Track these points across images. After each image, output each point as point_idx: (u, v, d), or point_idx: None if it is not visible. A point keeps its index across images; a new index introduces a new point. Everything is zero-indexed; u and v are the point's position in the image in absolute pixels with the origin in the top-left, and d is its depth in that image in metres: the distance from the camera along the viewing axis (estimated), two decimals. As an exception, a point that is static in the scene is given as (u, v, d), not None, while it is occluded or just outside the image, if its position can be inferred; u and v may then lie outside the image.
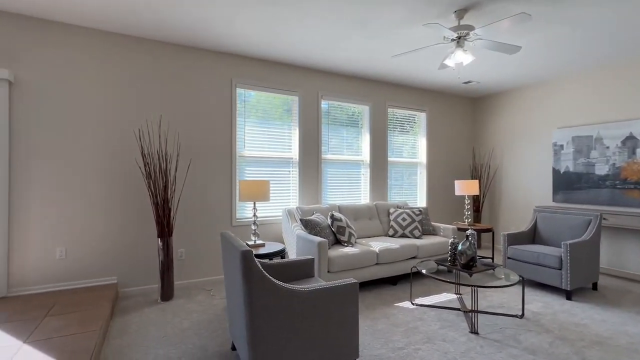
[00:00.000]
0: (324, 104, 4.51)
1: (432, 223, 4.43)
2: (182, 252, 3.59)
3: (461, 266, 2.92)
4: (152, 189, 3.14)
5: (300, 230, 3.55)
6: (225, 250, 2.08)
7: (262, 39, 3.45)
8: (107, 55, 3.28)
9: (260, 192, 3.23)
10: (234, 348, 2.29)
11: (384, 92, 5.00)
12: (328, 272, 3.21)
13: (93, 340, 2.18)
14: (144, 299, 3.24)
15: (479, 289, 3.42)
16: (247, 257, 1.65)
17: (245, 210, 3.98)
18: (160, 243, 3.16)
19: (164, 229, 3.16)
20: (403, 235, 4.13)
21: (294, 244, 3.61)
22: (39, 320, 2.46)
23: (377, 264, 3.54)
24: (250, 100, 4.02)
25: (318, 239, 3.18)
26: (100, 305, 2.75)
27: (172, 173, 3.49)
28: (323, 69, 4.38)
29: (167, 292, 3.19)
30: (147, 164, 3.18)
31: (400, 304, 3.16)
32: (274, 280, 1.74)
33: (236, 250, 1.73)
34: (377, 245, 3.65)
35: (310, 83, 4.37)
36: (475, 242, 2.92)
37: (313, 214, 3.84)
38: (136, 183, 3.38)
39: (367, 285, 3.72)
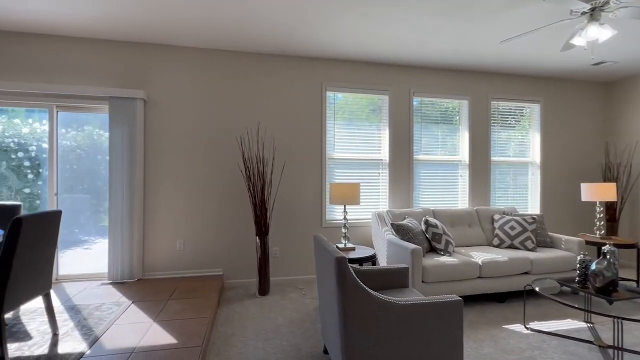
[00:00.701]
0: (414, 101, 4.25)
1: (550, 234, 3.75)
2: (276, 250, 3.81)
3: (595, 290, 2.38)
4: (252, 190, 3.39)
5: (391, 235, 3.40)
6: (318, 253, 2.09)
7: (352, 40, 3.42)
8: (215, 70, 3.68)
9: (350, 195, 3.19)
10: (325, 352, 2.29)
11: (485, 84, 4.46)
12: (422, 282, 2.99)
13: (204, 326, 2.45)
14: (244, 292, 3.52)
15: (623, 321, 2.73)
16: (341, 264, 1.61)
17: (334, 212, 4.01)
18: (258, 241, 3.39)
19: (261, 228, 3.39)
20: (511, 247, 3.60)
21: (384, 249, 3.48)
22: (164, 303, 2.88)
23: (479, 277, 3.16)
24: (338, 102, 4.03)
25: (411, 245, 2.98)
26: (209, 294, 3.08)
27: (269, 176, 3.72)
28: (414, 64, 4.13)
29: (264, 287, 3.41)
30: (247, 167, 3.46)
31: (510, 327, 2.73)
32: (368, 289, 1.67)
33: (330, 256, 1.71)
34: (480, 256, 3.25)
35: (400, 80, 4.17)
36: (617, 262, 2.35)
37: (404, 218, 3.64)
38: (239, 186, 3.71)
39: (467, 300, 3.34)
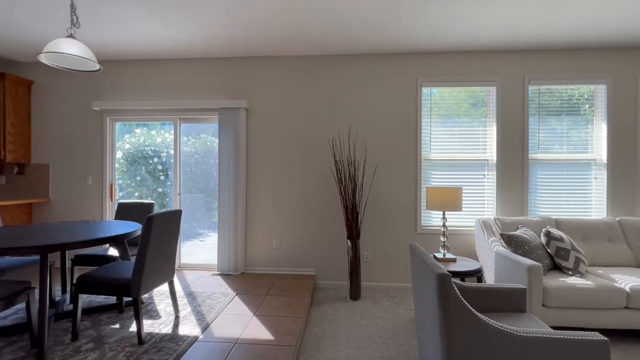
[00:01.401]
0: (530, 89, 3.62)
1: None
2: (367, 254, 3.72)
3: None
4: (343, 193, 3.37)
5: (500, 247, 2.96)
6: (415, 266, 1.92)
7: (451, 28, 3.10)
8: (306, 76, 3.79)
9: (451, 200, 2.89)
10: (422, 372, 2.10)
11: (635, 59, 3.52)
12: (543, 305, 2.50)
13: (298, 325, 2.51)
14: (335, 294, 3.53)
15: None
16: (444, 283, 1.42)
17: (430, 217, 3.71)
18: (349, 244, 3.36)
19: (352, 231, 3.34)
20: (676, 271, 2.74)
21: (491, 263, 3.05)
22: (262, 297, 3.08)
23: (626, 307, 2.49)
24: (433, 98, 3.71)
25: (528, 261, 2.52)
26: (302, 293, 3.18)
27: (360, 179, 3.65)
28: (530, 46, 3.51)
29: (354, 292, 3.36)
30: (339, 170, 3.45)
31: (679, 380, 2.07)
32: (476, 313, 1.44)
33: (430, 271, 1.53)
34: (628, 280, 2.56)
35: (511, 67, 3.61)
36: None
37: (517, 228, 3.13)
38: (331, 189, 3.75)
39: (607, 334, 2.68)
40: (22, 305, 2.86)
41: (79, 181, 4.05)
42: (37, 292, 3.16)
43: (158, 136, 4.21)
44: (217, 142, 4.10)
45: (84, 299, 2.98)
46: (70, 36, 2.42)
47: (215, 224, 4.14)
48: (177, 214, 2.54)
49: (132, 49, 3.66)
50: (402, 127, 3.69)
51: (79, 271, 3.84)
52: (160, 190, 4.21)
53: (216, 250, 4.01)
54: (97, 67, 2.59)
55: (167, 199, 4.23)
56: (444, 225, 3.01)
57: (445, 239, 2.99)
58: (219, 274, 3.77)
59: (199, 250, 4.18)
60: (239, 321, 2.58)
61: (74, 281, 3.33)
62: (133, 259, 2.94)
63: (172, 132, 4.14)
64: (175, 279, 3.60)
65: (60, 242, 1.99)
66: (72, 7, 2.50)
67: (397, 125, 3.70)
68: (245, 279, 3.63)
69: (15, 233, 2.25)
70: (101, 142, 4.03)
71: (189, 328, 2.44)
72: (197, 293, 3.16)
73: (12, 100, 3.86)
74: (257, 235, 3.86)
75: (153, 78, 3.98)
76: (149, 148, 4.20)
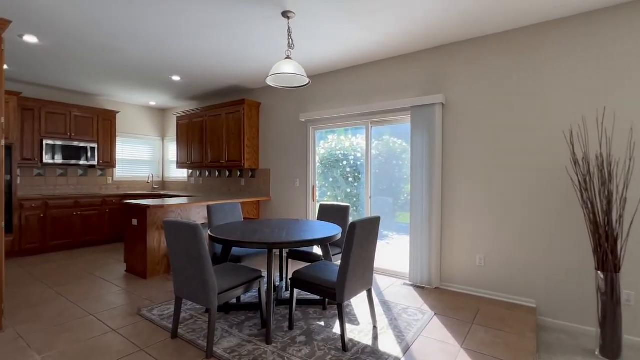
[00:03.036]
0: None
1: None
2: (630, 295, 2.53)
3: None
4: (588, 205, 2.41)
5: None
6: None
7: None
8: (517, 55, 2.96)
9: None
10: None
11: None
12: None
13: (527, 380, 1.90)
14: (571, 342, 2.58)
15: None
16: None
17: None
18: (600, 277, 2.36)
19: (606, 260, 2.32)
20: None
21: None
22: (468, 325, 2.57)
23: None
24: None
25: None
26: (522, 331, 2.46)
27: (620, 186, 2.53)
28: None
29: (610, 347, 2.33)
30: (581, 172, 2.49)
31: None
32: None
33: None
34: None
35: None
36: None
37: None
38: (566, 196, 2.79)
39: None
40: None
41: (289, 183, 4.75)
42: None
43: (346, 141, 4.40)
44: (399, 142, 3.94)
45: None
46: (288, 57, 2.73)
47: (400, 226, 3.94)
48: (376, 221, 2.43)
49: (328, 61, 3.92)
50: None
51: (291, 264, 4.48)
52: (348, 190, 4.38)
53: (403, 255, 3.78)
54: (307, 81, 2.83)
55: (354, 199, 4.35)
56: None
57: None
58: (410, 285, 3.51)
59: (386, 253, 4.06)
60: (444, 351, 2.20)
61: (289, 271, 3.89)
62: (333, 259, 3.09)
63: (358, 136, 4.23)
64: (368, 283, 3.59)
65: (282, 241, 2.22)
66: (289, 32, 2.83)
67: (695, 100, 2.33)
68: (441, 296, 3.20)
69: (251, 228, 2.72)
70: (305, 149, 4.57)
71: (388, 344, 2.27)
72: (391, 303, 3.00)
73: (248, 120, 4.94)
74: (454, 247, 3.36)
75: (346, 86, 4.16)
76: (339, 152, 4.44)
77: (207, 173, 5.96)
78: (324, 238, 2.36)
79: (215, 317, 2.15)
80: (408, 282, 3.59)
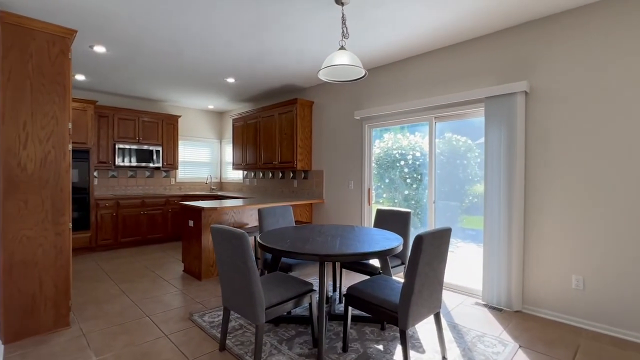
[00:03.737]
0: None
1: None
2: None
3: None
4: None
5: None
6: None
7: None
8: (633, 34, 2.31)
9: None
10: None
11: None
12: None
13: None
14: None
15: None
16: None
17: None
18: None
19: None
20: None
21: None
22: (567, 367, 2.06)
23: None
24: None
25: None
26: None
27: None
28: None
29: None
30: None
31: None
32: None
33: None
34: None
35: None
36: None
37: None
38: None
39: None
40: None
41: (343, 185, 4.48)
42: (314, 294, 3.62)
43: (404, 139, 3.98)
44: (463, 140, 3.46)
45: (349, 301, 3.08)
46: (342, 48, 2.46)
47: (466, 232, 3.42)
48: (446, 234, 2.04)
49: (387, 51, 3.56)
50: None
51: (346, 274, 4.20)
52: (406, 193, 3.96)
53: (472, 267, 3.27)
54: (363, 72, 2.53)
55: (413, 202, 3.92)
56: None
57: None
58: (484, 305, 3.01)
59: (451, 263, 3.56)
60: (538, 401, 1.75)
61: (343, 282, 3.62)
62: (392, 271, 2.74)
63: (417, 133, 3.80)
64: (432, 299, 3.17)
65: (335, 254, 1.96)
66: (343, 19, 2.56)
67: None
68: (525, 322, 2.67)
69: (302, 235, 2.51)
70: (360, 148, 4.27)
71: (463, 383, 1.88)
72: (462, 328, 2.57)
73: (300, 120, 4.79)
74: (541, 263, 2.79)
75: (406, 78, 3.76)
76: (396, 152, 4.05)
77: (261, 174, 5.97)
78: (383, 251, 2.05)
79: (262, 333, 1.97)
80: (481, 301, 3.09)
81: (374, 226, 3.35)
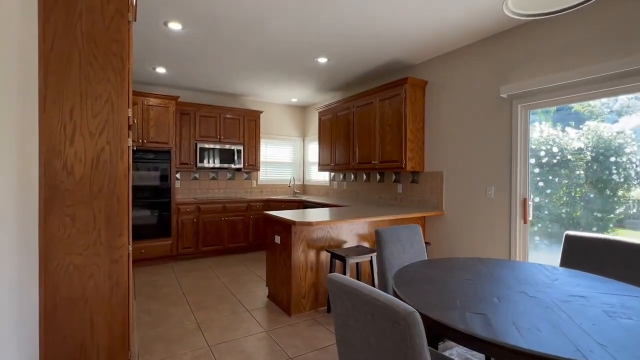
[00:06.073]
0: None
1: None
2: None
3: None
4: None
5: None
6: None
7: None
8: None
9: None
10: None
11: None
12: None
13: None
14: None
15: None
16: None
17: None
18: None
19: None
20: None
21: None
22: None
23: None
24: None
25: None
26: None
27: None
28: None
29: None
30: None
31: None
32: None
33: None
34: None
35: None
36: None
37: None
38: None
39: None
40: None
41: (476, 193, 3.22)
42: None
43: (603, 129, 2.52)
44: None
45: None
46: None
47: None
48: None
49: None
50: None
51: None
52: (607, 209, 2.51)
53: None
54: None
55: (611, 225, 2.48)
56: None
57: None
58: None
59: None
60: None
61: None
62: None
63: (626, 115, 2.36)
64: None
65: (515, 349, 0.81)
66: None
67: None
68: None
69: (472, 290, 1.40)
70: (508, 140, 2.96)
71: None
72: None
73: (411, 106, 3.65)
74: None
75: (587, 30, 2.36)
76: (569, 146, 2.66)
77: (352, 176, 4.99)
78: None
79: None
80: None
81: (561, 263, 2.07)
